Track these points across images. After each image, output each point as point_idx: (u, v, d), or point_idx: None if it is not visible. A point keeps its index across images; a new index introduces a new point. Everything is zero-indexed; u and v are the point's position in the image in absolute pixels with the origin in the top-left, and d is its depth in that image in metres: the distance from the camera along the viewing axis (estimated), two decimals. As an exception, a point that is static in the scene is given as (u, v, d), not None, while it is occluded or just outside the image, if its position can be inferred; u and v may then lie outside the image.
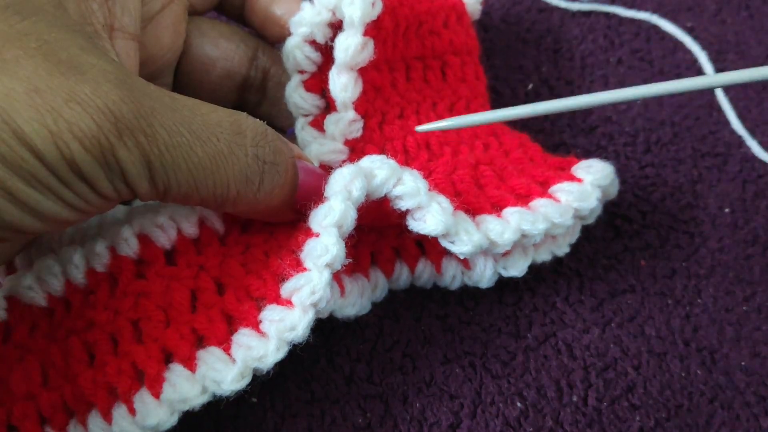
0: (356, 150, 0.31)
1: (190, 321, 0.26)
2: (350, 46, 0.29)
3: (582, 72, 0.42)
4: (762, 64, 0.41)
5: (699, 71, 0.41)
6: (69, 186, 0.21)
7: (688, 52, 0.42)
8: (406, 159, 0.32)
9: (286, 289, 0.25)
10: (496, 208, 0.30)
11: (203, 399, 0.24)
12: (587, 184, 0.31)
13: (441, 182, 0.31)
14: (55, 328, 0.26)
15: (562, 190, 0.31)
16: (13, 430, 0.25)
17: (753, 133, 0.40)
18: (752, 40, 0.43)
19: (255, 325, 0.25)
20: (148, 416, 0.24)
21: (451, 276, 0.32)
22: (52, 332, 0.26)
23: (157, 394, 0.24)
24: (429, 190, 0.27)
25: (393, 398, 0.31)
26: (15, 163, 0.20)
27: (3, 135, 0.19)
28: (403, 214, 0.27)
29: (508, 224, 0.29)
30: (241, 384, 0.24)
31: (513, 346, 0.33)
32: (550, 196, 0.31)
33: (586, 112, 0.40)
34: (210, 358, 0.25)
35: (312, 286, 0.25)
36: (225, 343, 0.25)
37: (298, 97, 0.31)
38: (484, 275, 0.31)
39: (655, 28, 0.43)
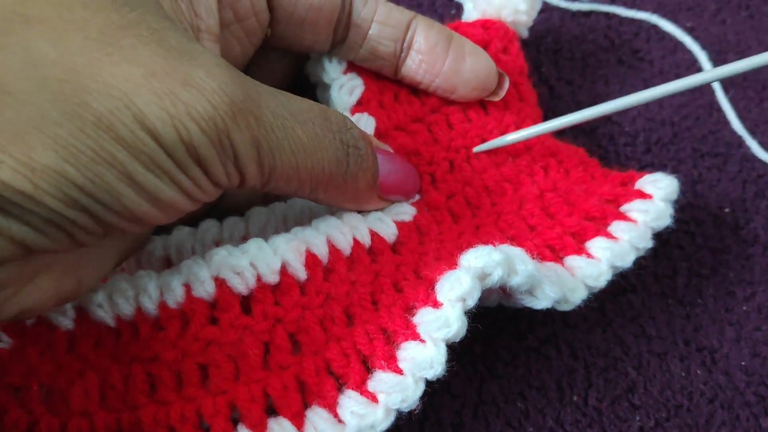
0: (421, 211, 0.30)
1: (262, 380, 0.25)
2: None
3: (582, 72, 0.42)
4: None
5: (699, 71, 0.41)
6: (185, 170, 0.21)
7: (688, 52, 0.42)
8: (471, 211, 0.31)
9: (373, 387, 0.25)
10: (577, 237, 0.29)
11: None
12: (659, 200, 0.29)
13: (514, 222, 0.30)
14: (120, 351, 0.25)
15: (636, 209, 0.29)
16: None
17: (753, 133, 0.40)
18: (752, 40, 0.43)
19: (332, 407, 0.24)
20: None
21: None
22: (117, 354, 0.25)
23: None
24: (536, 263, 0.26)
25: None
26: (136, 147, 0.20)
27: (125, 119, 0.19)
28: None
29: (599, 264, 0.28)
30: None
31: (514, 346, 0.33)
32: (625, 217, 0.30)
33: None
34: None
35: (404, 393, 0.24)
36: (297, 419, 0.24)
37: None
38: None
39: (655, 28, 0.43)
